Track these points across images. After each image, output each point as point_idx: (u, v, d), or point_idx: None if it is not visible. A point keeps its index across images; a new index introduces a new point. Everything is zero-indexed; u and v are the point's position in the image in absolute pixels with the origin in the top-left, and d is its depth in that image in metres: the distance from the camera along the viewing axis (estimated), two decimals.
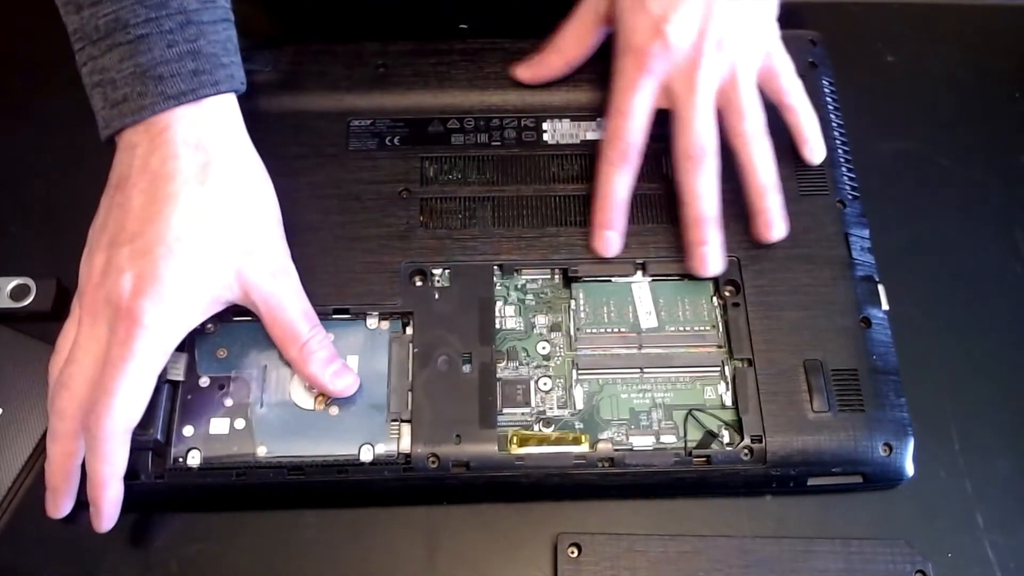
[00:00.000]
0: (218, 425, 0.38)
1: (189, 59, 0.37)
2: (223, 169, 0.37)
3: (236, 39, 0.39)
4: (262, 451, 0.37)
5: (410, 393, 0.39)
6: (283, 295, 0.38)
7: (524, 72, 0.45)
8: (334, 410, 0.38)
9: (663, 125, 0.42)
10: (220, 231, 0.36)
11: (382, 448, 0.38)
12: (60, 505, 0.36)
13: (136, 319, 0.34)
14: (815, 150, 0.43)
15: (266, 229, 0.38)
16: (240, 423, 0.38)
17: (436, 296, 0.40)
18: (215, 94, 0.37)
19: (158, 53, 0.36)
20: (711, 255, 0.40)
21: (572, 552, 0.38)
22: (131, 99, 0.36)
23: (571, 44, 0.45)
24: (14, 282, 0.43)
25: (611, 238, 0.41)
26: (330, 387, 0.38)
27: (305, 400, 0.39)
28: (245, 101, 0.43)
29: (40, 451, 0.40)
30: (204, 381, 0.39)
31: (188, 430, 0.38)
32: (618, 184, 0.41)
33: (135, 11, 0.36)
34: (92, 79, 0.37)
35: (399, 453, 0.38)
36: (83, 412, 0.35)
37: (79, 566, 0.38)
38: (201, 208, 0.36)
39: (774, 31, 0.42)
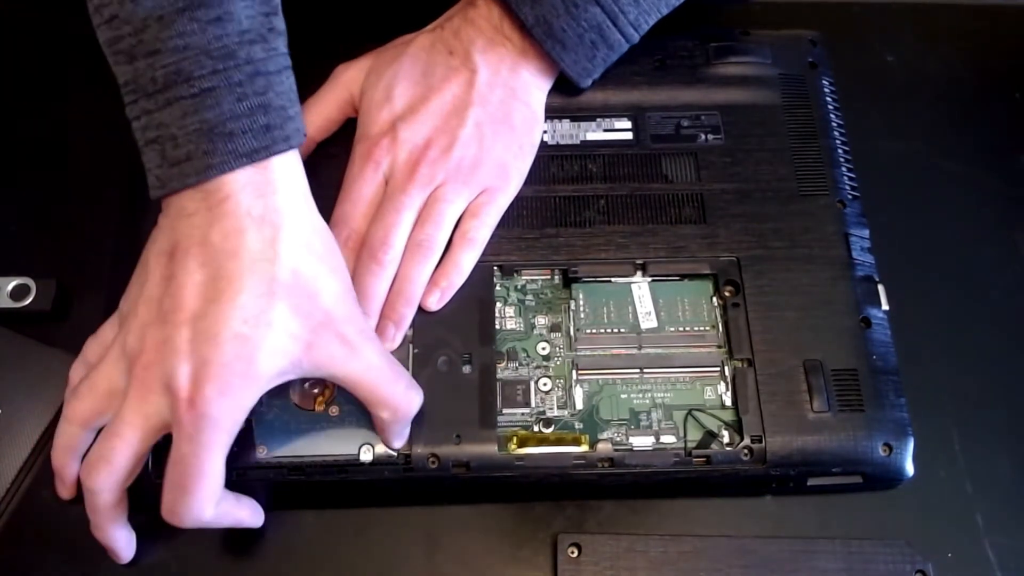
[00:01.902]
0: None
1: (260, 114, 0.34)
2: (292, 244, 0.34)
3: (296, 91, 0.36)
4: (262, 451, 0.37)
5: None
6: (363, 371, 0.35)
7: None
8: (334, 410, 0.38)
9: (664, 127, 0.42)
10: (290, 312, 0.34)
11: (382, 448, 0.38)
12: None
13: (204, 413, 0.32)
14: (432, 299, 0.40)
15: (337, 302, 0.35)
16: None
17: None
18: (287, 150, 0.34)
19: (227, 108, 0.33)
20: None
21: (572, 552, 0.38)
22: (195, 157, 0.33)
23: (318, 122, 0.43)
24: (14, 282, 0.43)
25: None
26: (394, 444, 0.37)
27: (305, 400, 0.38)
28: None
29: (40, 451, 0.40)
30: None
31: None
32: None
33: (200, 62, 0.33)
34: (147, 135, 0.34)
35: (399, 453, 0.38)
36: (120, 486, 0.35)
37: (79, 566, 0.38)
38: (270, 289, 0.33)
39: (506, 176, 0.42)
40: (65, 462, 0.37)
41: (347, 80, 0.44)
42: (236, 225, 0.33)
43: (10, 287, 0.43)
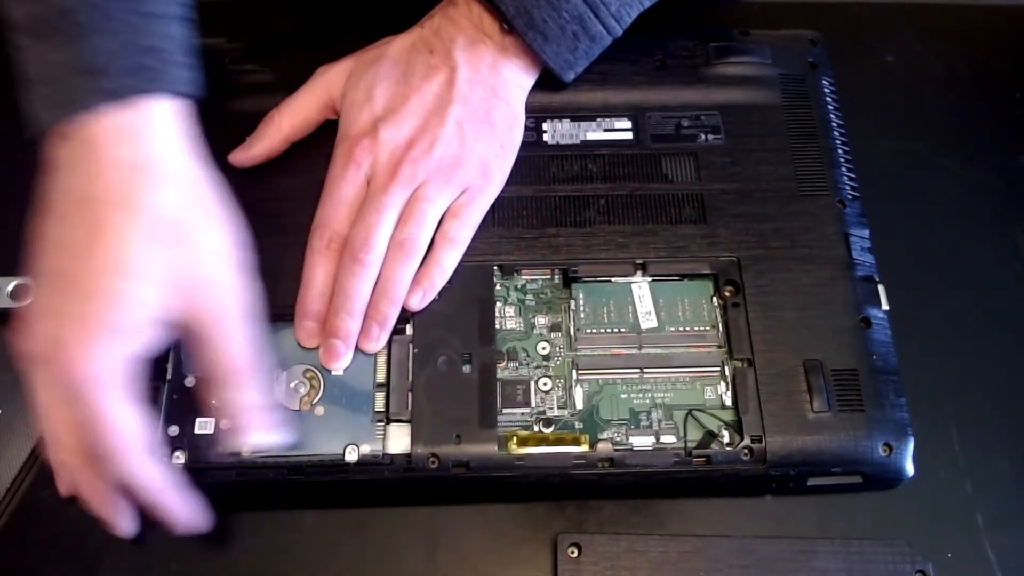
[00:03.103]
0: (203, 425, 0.38)
1: (135, 53, 0.33)
2: (167, 193, 0.34)
3: (190, 42, 0.35)
4: (247, 451, 0.37)
5: (410, 393, 0.39)
6: (226, 340, 0.35)
7: (238, 156, 0.43)
8: (319, 411, 0.38)
9: (664, 127, 0.42)
10: (162, 263, 0.33)
11: (367, 448, 0.38)
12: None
13: (69, 369, 0.32)
14: (415, 299, 0.40)
15: (218, 256, 0.35)
16: (225, 423, 0.37)
17: (436, 296, 0.40)
18: (163, 93, 0.33)
19: (99, 43, 0.32)
20: (336, 348, 0.39)
21: (572, 552, 0.38)
22: (59, 93, 0.32)
23: (295, 122, 0.43)
24: (14, 282, 0.43)
25: (310, 329, 0.39)
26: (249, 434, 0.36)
27: (290, 400, 0.38)
28: (242, 100, 0.43)
29: (40, 451, 0.40)
30: (190, 381, 0.39)
31: (173, 430, 0.38)
32: (319, 271, 0.40)
33: None
34: (24, 71, 0.33)
35: (384, 453, 0.37)
36: (88, 462, 0.34)
37: (79, 566, 0.38)
38: (142, 237, 0.33)
39: (488, 175, 0.42)
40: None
41: (327, 81, 0.43)
42: (105, 174, 0.32)
43: (10, 287, 0.43)
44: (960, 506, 0.40)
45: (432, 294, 0.40)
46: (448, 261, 0.40)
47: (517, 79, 0.43)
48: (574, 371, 0.40)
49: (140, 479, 0.34)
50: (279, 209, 0.42)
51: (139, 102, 0.33)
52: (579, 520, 0.39)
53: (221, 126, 0.42)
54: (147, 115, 0.33)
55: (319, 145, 0.44)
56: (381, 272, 0.40)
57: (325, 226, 0.40)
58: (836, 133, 0.45)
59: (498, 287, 0.41)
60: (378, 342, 0.39)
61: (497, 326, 0.40)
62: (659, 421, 0.39)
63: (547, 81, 0.44)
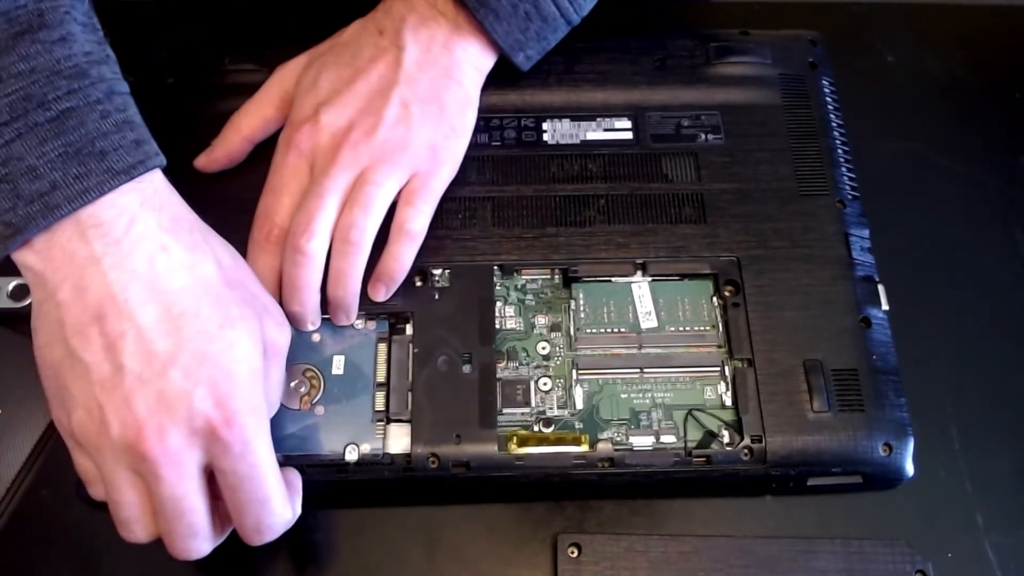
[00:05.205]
0: None
1: (128, 129, 0.31)
2: (213, 242, 0.34)
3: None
4: None
5: (410, 393, 0.39)
6: (285, 347, 0.36)
7: (201, 161, 0.42)
8: (320, 410, 0.38)
9: (664, 126, 0.42)
10: (239, 303, 0.33)
11: (367, 448, 0.38)
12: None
13: (243, 424, 0.31)
14: (378, 295, 0.40)
15: (258, 284, 0.36)
16: None
17: (436, 296, 0.40)
18: (159, 166, 0.32)
19: (92, 126, 0.30)
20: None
21: (572, 552, 0.38)
22: (64, 185, 0.29)
23: (252, 122, 0.42)
24: (14, 282, 0.43)
25: None
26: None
27: (290, 400, 0.38)
28: (240, 100, 0.43)
29: (40, 451, 0.40)
30: None
31: None
32: (260, 263, 0.39)
33: (53, 83, 0.30)
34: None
35: (384, 453, 0.37)
36: (214, 539, 0.33)
37: (79, 566, 0.38)
38: (217, 290, 0.32)
39: (437, 158, 0.40)
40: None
41: (281, 77, 0.42)
42: (158, 244, 0.31)
43: (10, 287, 0.43)
44: (960, 506, 0.40)
45: (394, 287, 0.40)
46: (405, 254, 0.39)
47: (472, 59, 0.42)
48: (574, 371, 0.40)
49: (286, 526, 0.33)
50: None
51: (147, 174, 0.32)
52: (579, 520, 0.39)
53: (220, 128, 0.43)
54: (155, 185, 0.33)
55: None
56: (330, 266, 0.38)
57: (265, 217, 0.39)
58: (836, 133, 0.45)
59: (498, 287, 0.41)
60: (348, 321, 0.40)
61: (497, 326, 0.40)
62: (659, 421, 0.39)
63: (506, 71, 0.43)
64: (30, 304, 0.42)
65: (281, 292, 0.39)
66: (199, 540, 0.32)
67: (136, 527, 0.32)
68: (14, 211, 0.29)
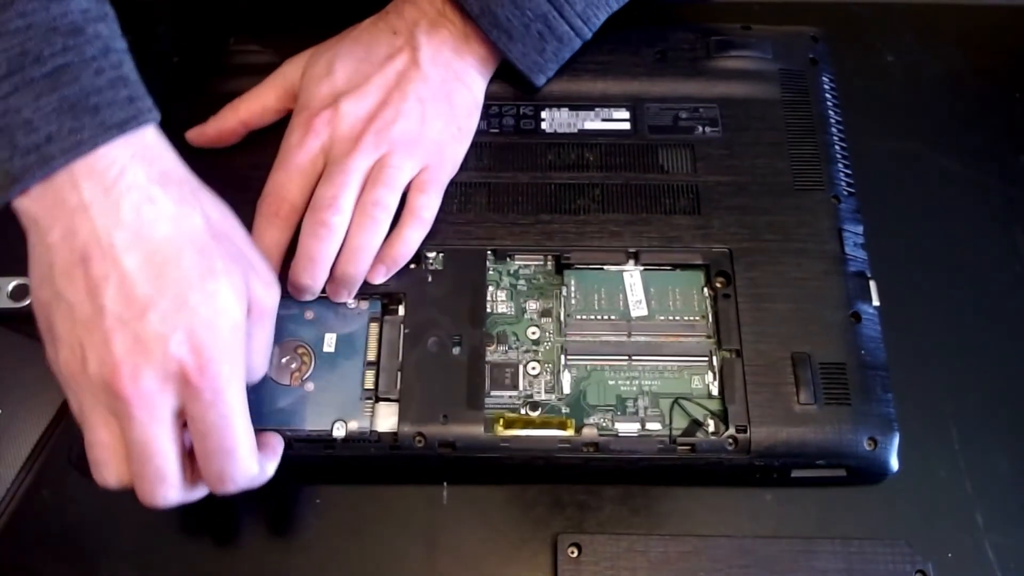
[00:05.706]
0: None
1: (121, 86, 0.32)
2: (202, 196, 0.34)
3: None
4: None
5: (399, 373, 0.39)
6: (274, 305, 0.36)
7: (192, 133, 0.43)
8: (309, 386, 0.39)
9: (662, 118, 0.42)
10: (225, 257, 0.33)
11: (355, 425, 0.38)
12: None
13: (216, 373, 0.31)
14: (377, 275, 0.40)
15: (248, 241, 0.36)
16: None
17: (429, 279, 0.41)
18: (153, 122, 0.33)
19: (87, 82, 0.31)
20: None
21: (572, 552, 0.38)
22: (59, 138, 0.30)
23: (252, 107, 0.43)
24: (14, 282, 0.43)
25: None
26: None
27: (280, 375, 0.39)
28: (244, 81, 0.43)
29: (40, 451, 0.40)
30: None
31: None
32: (266, 238, 0.39)
33: (48, 40, 0.31)
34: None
35: (371, 431, 0.38)
36: (184, 485, 0.33)
37: (79, 566, 0.39)
38: (203, 242, 0.33)
39: (442, 157, 0.42)
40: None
41: (287, 69, 0.43)
42: (145, 195, 0.32)
43: (10, 287, 0.43)
44: (960, 506, 0.40)
45: (395, 269, 0.40)
46: (414, 237, 0.40)
47: (478, 66, 0.44)
48: (563, 356, 0.40)
49: (249, 481, 0.34)
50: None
51: (137, 130, 0.33)
52: (579, 520, 0.39)
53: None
54: (148, 140, 0.33)
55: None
56: (348, 239, 0.39)
57: (275, 194, 0.40)
58: (834, 129, 0.45)
59: (491, 271, 0.42)
60: (348, 298, 0.40)
61: (488, 310, 0.41)
62: (645, 408, 0.39)
63: (516, 81, 0.44)
64: (30, 304, 0.42)
65: (293, 264, 0.39)
66: (166, 487, 0.32)
67: (106, 470, 0.33)
68: (11, 161, 0.31)
